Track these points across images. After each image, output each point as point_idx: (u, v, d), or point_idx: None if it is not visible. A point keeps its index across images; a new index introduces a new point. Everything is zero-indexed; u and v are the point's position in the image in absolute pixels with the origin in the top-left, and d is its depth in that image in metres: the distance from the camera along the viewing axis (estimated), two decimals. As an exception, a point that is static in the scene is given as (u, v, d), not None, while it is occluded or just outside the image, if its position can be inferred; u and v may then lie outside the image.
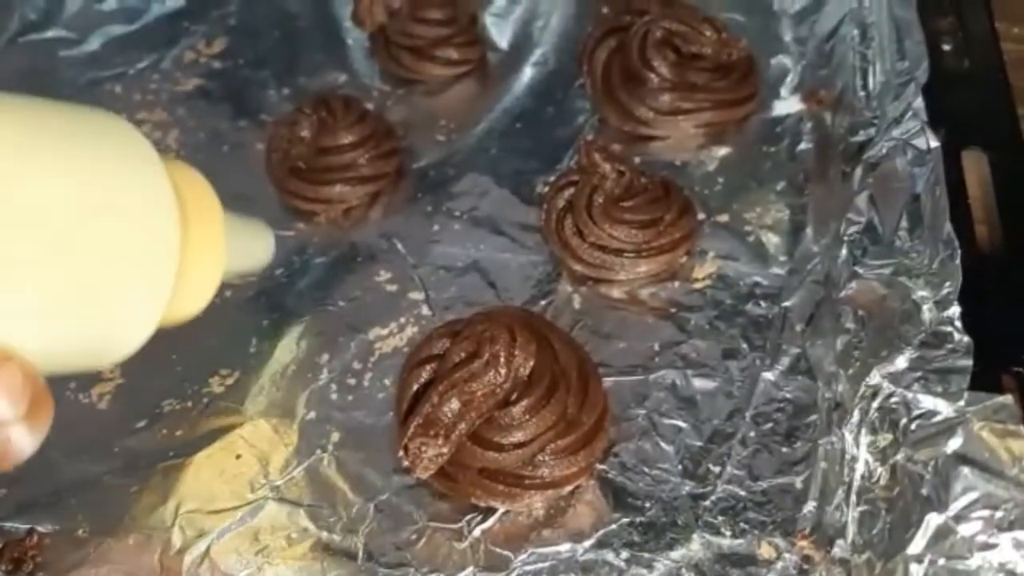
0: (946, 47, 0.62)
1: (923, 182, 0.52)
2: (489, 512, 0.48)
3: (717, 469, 0.49)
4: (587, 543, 0.47)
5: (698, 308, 0.56)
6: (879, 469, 0.44)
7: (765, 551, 0.46)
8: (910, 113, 0.56)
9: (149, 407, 0.55)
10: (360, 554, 0.48)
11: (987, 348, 0.44)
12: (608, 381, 0.52)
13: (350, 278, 0.60)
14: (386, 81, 0.72)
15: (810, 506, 0.47)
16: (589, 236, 0.57)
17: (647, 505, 0.48)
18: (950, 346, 0.45)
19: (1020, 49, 0.64)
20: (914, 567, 0.40)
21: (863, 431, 0.46)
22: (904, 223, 0.52)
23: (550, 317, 0.56)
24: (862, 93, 0.62)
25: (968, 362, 0.44)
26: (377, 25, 0.71)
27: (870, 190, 0.55)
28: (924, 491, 0.41)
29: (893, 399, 0.45)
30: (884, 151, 0.55)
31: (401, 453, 0.46)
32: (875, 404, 0.46)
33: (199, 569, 0.48)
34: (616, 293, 0.57)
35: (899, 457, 0.43)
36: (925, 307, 0.47)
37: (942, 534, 0.40)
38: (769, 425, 0.50)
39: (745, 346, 0.54)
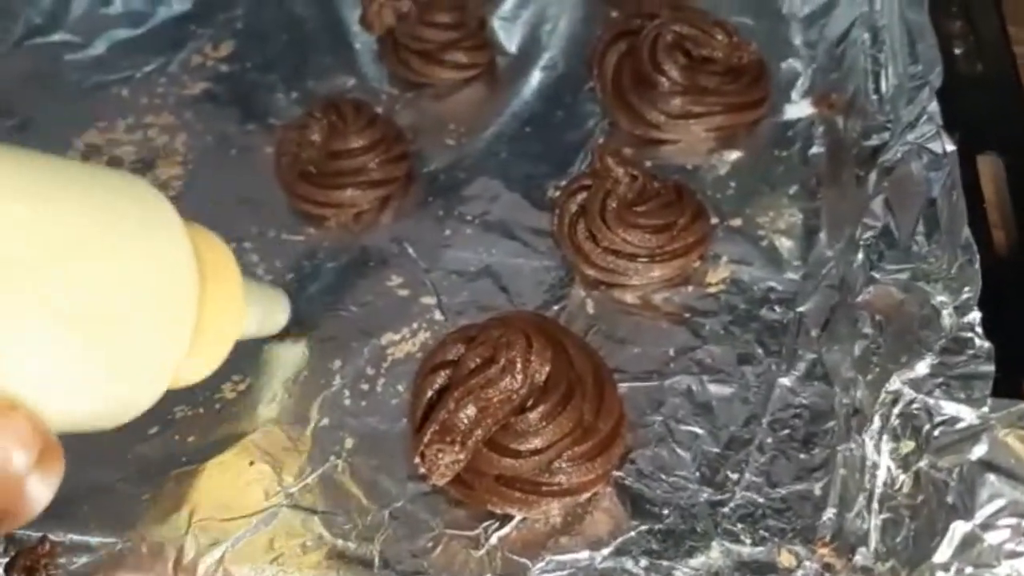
0: (957, 51, 0.62)
1: (939, 186, 0.52)
2: (506, 519, 0.48)
3: (735, 476, 0.48)
4: (605, 551, 0.46)
5: (712, 313, 0.55)
6: (902, 476, 0.44)
7: (785, 559, 0.45)
8: (925, 117, 0.55)
9: (161, 414, 0.53)
10: (376, 562, 0.47)
11: (1008, 353, 0.44)
12: (623, 387, 0.51)
13: (361, 283, 0.59)
14: (395, 85, 0.72)
15: (830, 513, 0.46)
16: (602, 240, 0.56)
17: (665, 512, 0.47)
18: (971, 352, 0.44)
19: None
20: (940, 575, 0.39)
21: (884, 437, 0.45)
22: (921, 228, 0.51)
23: (563, 322, 0.55)
24: (874, 97, 0.61)
25: (990, 368, 0.43)
26: (385, 28, 0.70)
27: (886, 194, 0.54)
28: (949, 499, 0.41)
29: (915, 405, 0.45)
30: (899, 155, 0.55)
31: (418, 460, 0.46)
32: (896, 410, 0.45)
33: (214, 577, 0.47)
34: (629, 298, 0.57)
35: (922, 464, 0.43)
36: (945, 312, 0.46)
37: (969, 542, 0.39)
38: (786, 431, 0.50)
39: (760, 351, 0.53)
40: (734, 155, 0.64)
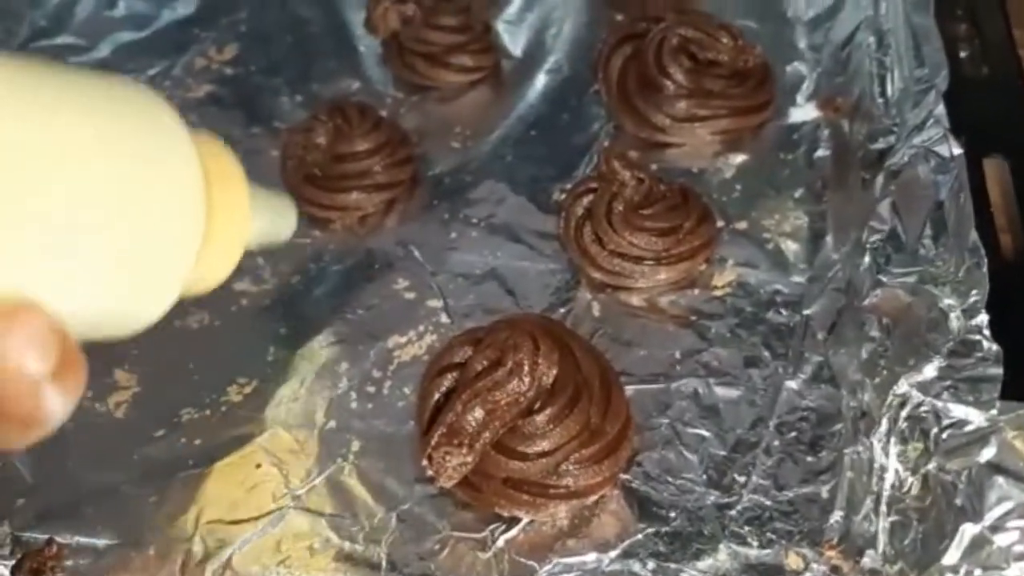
0: (963, 54, 0.62)
1: (946, 190, 0.52)
2: (513, 522, 0.48)
3: (742, 479, 0.48)
4: (613, 553, 0.46)
5: (719, 316, 0.55)
6: (910, 479, 0.44)
7: (793, 561, 0.45)
8: (931, 120, 0.55)
9: (167, 416, 0.54)
10: (383, 564, 0.47)
11: (1016, 356, 0.44)
12: (630, 390, 0.51)
13: (367, 286, 0.59)
14: (399, 88, 0.72)
15: (837, 516, 0.46)
16: (609, 243, 0.56)
17: (672, 515, 0.47)
18: (979, 354, 0.45)
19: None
20: (949, 577, 0.40)
21: (892, 440, 0.45)
22: (928, 231, 0.51)
23: (569, 325, 0.55)
24: (880, 100, 0.62)
25: (999, 370, 0.44)
26: (390, 32, 0.71)
27: (892, 197, 0.54)
28: (958, 501, 0.41)
29: (923, 408, 0.45)
30: (906, 158, 0.55)
31: (425, 462, 0.46)
32: (904, 413, 0.45)
33: (221, 579, 0.47)
34: (636, 301, 0.57)
35: (931, 467, 0.43)
36: (953, 315, 0.46)
37: (978, 544, 0.40)
38: (793, 434, 0.50)
39: (767, 354, 0.53)
40: (739, 158, 0.64)
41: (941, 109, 0.56)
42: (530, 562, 0.47)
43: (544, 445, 0.47)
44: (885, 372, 0.48)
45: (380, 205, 0.63)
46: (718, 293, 0.57)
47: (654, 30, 0.65)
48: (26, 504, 0.51)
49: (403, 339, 0.56)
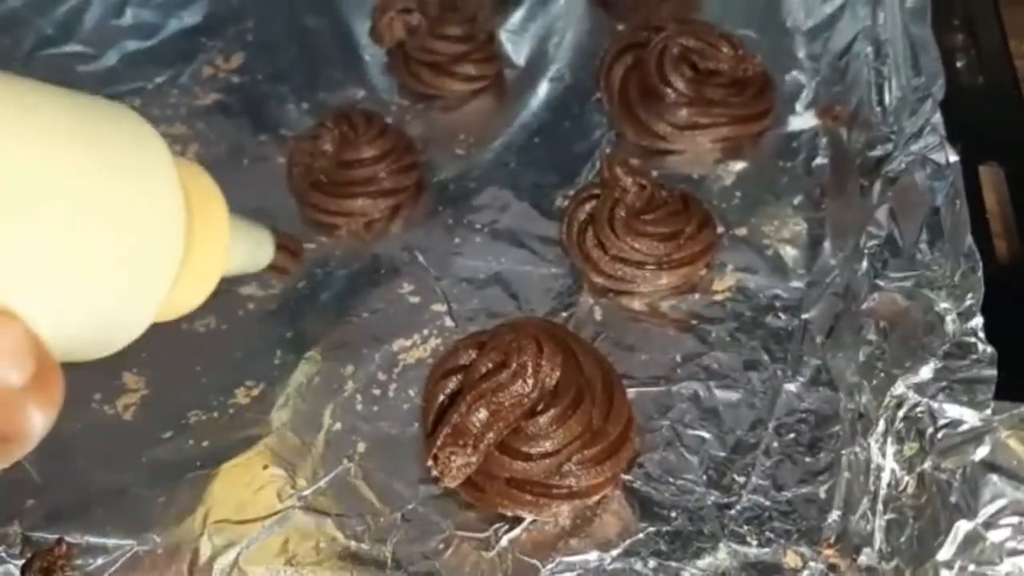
0: (959, 63, 0.63)
1: (942, 196, 0.53)
2: (516, 521, 0.49)
3: (742, 479, 0.49)
4: (614, 552, 0.47)
5: (719, 320, 0.57)
6: (906, 478, 0.45)
7: (791, 560, 0.46)
8: (928, 128, 0.57)
9: (175, 418, 0.55)
10: (388, 563, 0.48)
11: (1010, 358, 0.45)
12: (631, 392, 0.52)
13: (373, 290, 0.61)
14: (404, 96, 0.73)
15: (835, 515, 0.47)
16: (611, 249, 0.57)
17: (673, 515, 0.48)
18: (974, 356, 0.46)
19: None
20: (944, 573, 0.41)
21: (889, 441, 0.46)
22: (924, 236, 0.52)
23: (572, 329, 0.56)
24: (878, 109, 0.63)
25: (993, 372, 0.45)
26: (396, 41, 0.72)
27: (889, 204, 0.56)
28: (952, 499, 0.42)
29: (919, 409, 0.46)
30: (903, 165, 0.56)
31: (430, 462, 0.47)
32: (900, 414, 0.46)
33: (228, 578, 0.48)
34: (637, 305, 0.58)
35: (926, 466, 0.44)
36: (948, 318, 0.48)
37: (971, 541, 0.41)
38: (792, 435, 0.51)
39: (766, 358, 0.54)
40: (739, 165, 0.65)
41: (938, 117, 0.57)
42: (533, 561, 0.48)
43: (547, 446, 0.48)
44: (882, 374, 0.49)
45: (385, 211, 0.65)
46: (718, 298, 0.58)
47: (655, 39, 0.66)
48: (36, 504, 0.52)
49: (408, 343, 0.58)
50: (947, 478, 0.43)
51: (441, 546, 0.49)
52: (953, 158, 0.54)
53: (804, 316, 0.56)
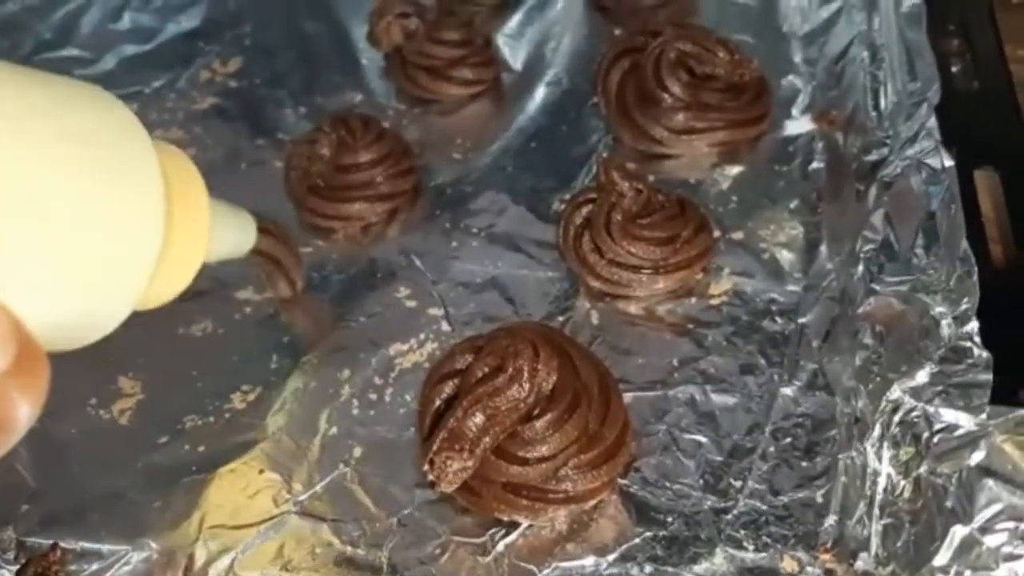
0: (955, 68, 0.63)
1: (938, 200, 0.53)
2: (512, 526, 0.49)
3: (738, 484, 0.49)
4: (611, 557, 0.47)
5: (715, 324, 0.56)
6: (902, 482, 0.45)
7: (787, 564, 0.46)
8: (923, 133, 0.57)
9: (171, 423, 0.55)
10: (384, 568, 0.48)
11: (1005, 362, 0.45)
12: (628, 396, 0.52)
13: (370, 294, 0.61)
14: (401, 100, 0.74)
15: (831, 520, 0.47)
16: (607, 253, 0.57)
17: (669, 519, 0.48)
18: (970, 361, 0.46)
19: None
20: (940, 578, 0.41)
21: (885, 445, 0.46)
22: (920, 240, 0.52)
23: (569, 333, 0.56)
24: (874, 113, 0.63)
25: (989, 376, 0.44)
26: (393, 46, 0.72)
27: (885, 208, 0.55)
28: (948, 503, 0.42)
29: (915, 413, 0.46)
30: (899, 170, 0.56)
31: (427, 467, 0.47)
32: (896, 418, 0.46)
33: (224, 583, 0.48)
34: (634, 309, 0.58)
35: (922, 470, 0.44)
36: (944, 323, 0.47)
37: (967, 546, 0.41)
38: (788, 440, 0.51)
39: (763, 362, 0.54)
40: (736, 170, 0.65)
41: (933, 122, 0.57)
42: (529, 566, 0.47)
43: (543, 450, 0.47)
44: (878, 379, 0.49)
45: (383, 215, 0.65)
46: (715, 302, 0.58)
47: (652, 44, 0.66)
48: (31, 509, 0.51)
49: (404, 347, 0.57)
50: (943, 483, 0.43)
51: (437, 551, 0.48)
52: (948, 163, 0.54)
53: (800, 320, 0.56)
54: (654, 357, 0.55)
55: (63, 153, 0.28)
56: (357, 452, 0.53)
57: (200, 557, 0.49)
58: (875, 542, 0.45)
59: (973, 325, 0.47)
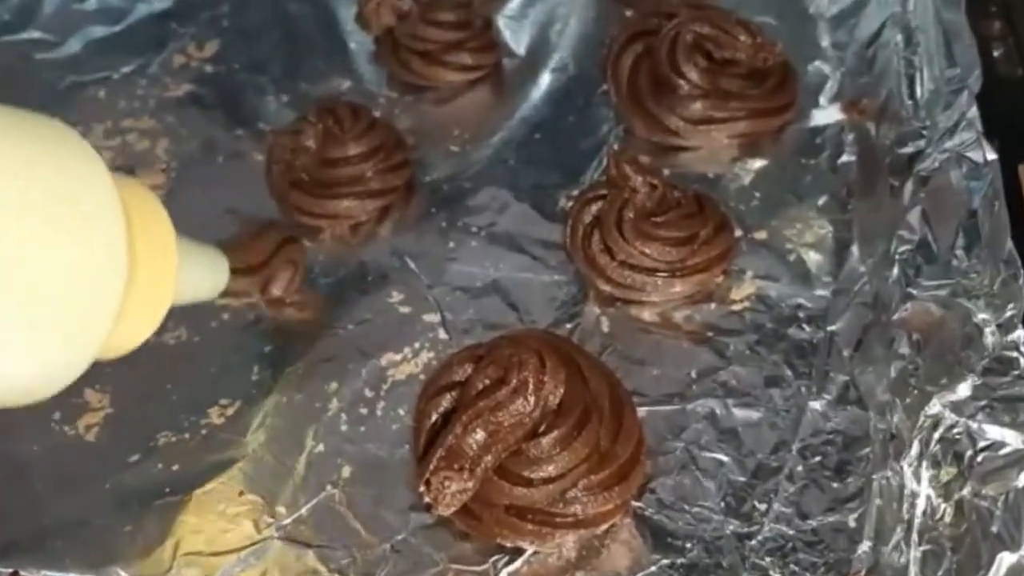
0: (997, 52, 0.63)
1: (980, 197, 0.53)
2: (516, 553, 0.49)
3: (763, 506, 0.49)
4: (624, 586, 0.47)
5: (737, 332, 0.56)
6: (943, 505, 0.45)
7: (818, 594, 0.46)
8: (963, 123, 0.57)
9: (142, 440, 0.55)
10: (376, 599, 0.48)
11: (1055, 375, 0.45)
12: (642, 411, 0.52)
13: (360, 299, 0.60)
14: (393, 87, 0.73)
15: (865, 546, 0.47)
16: (619, 254, 0.57)
17: (688, 546, 0.48)
18: (1016, 372, 0.46)
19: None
20: (985, 611, 0.40)
21: (924, 464, 0.46)
22: (961, 241, 0.53)
23: (577, 341, 0.56)
24: (909, 102, 0.63)
25: (1037, 389, 0.45)
26: (383, 28, 0.72)
27: (922, 205, 0.56)
28: (994, 528, 0.42)
29: (956, 430, 0.46)
30: (937, 164, 0.56)
31: (422, 488, 0.47)
32: (936, 435, 0.46)
33: (200, 616, 0.48)
34: (648, 315, 0.58)
35: (965, 492, 0.44)
36: (987, 330, 0.48)
37: (1016, 574, 0.41)
38: (818, 459, 0.51)
39: (789, 373, 0.54)
40: (758, 163, 0.65)
41: (974, 111, 0.57)
42: (535, 596, 0.47)
43: (550, 470, 0.47)
44: (916, 392, 0.49)
45: (373, 213, 0.64)
46: (736, 308, 0.58)
47: (667, 26, 0.66)
48: (-11, 534, 0.51)
49: (398, 356, 0.57)
50: (988, 505, 0.43)
51: (434, 580, 0.48)
52: (991, 156, 0.54)
53: (830, 328, 0.56)
54: (670, 368, 0.55)
55: (13, 200, 0.28)
56: (346, 472, 0.52)
57: (174, 587, 0.49)
58: (913, 570, 0.45)
59: (1019, 333, 0.47)
